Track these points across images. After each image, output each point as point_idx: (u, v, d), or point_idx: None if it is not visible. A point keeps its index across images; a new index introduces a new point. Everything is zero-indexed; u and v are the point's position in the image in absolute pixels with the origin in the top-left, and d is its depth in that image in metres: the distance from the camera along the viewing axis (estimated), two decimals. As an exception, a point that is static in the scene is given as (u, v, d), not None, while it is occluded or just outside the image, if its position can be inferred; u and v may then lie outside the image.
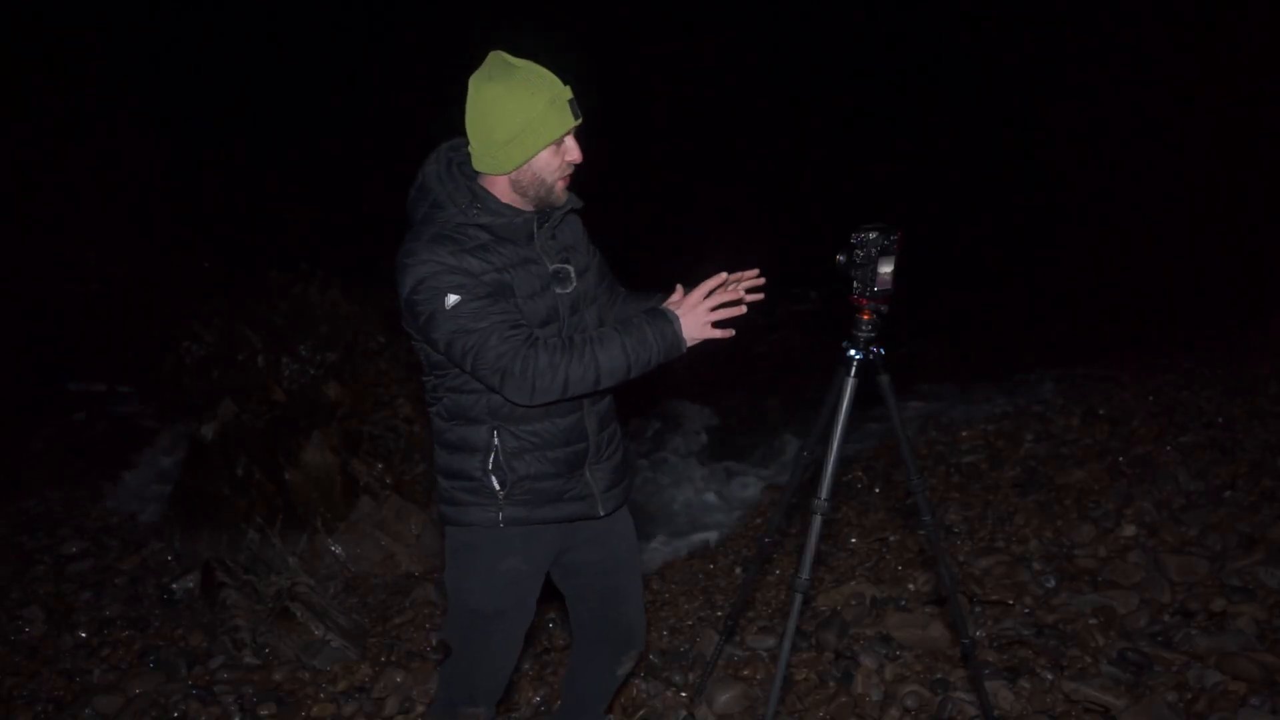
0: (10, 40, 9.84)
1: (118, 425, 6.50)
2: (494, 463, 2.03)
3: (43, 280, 8.01)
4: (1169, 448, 4.55)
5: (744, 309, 1.96)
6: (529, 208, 1.99)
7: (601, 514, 2.15)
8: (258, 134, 11.69)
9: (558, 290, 2.02)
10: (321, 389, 5.26)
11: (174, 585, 4.41)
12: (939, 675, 3.00)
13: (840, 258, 2.25)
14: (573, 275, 2.05)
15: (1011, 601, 3.40)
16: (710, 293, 1.92)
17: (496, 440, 2.02)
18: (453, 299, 1.87)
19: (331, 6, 14.03)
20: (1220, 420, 4.81)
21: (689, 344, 1.92)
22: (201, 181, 10.17)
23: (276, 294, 8.00)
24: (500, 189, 1.97)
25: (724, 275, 1.94)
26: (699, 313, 1.88)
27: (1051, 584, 3.49)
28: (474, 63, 1.98)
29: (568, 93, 1.93)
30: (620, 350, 1.89)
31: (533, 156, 1.93)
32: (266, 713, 3.26)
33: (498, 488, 2.04)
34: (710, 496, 5.58)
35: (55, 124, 9.67)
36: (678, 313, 1.90)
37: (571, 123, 1.93)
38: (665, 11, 16.25)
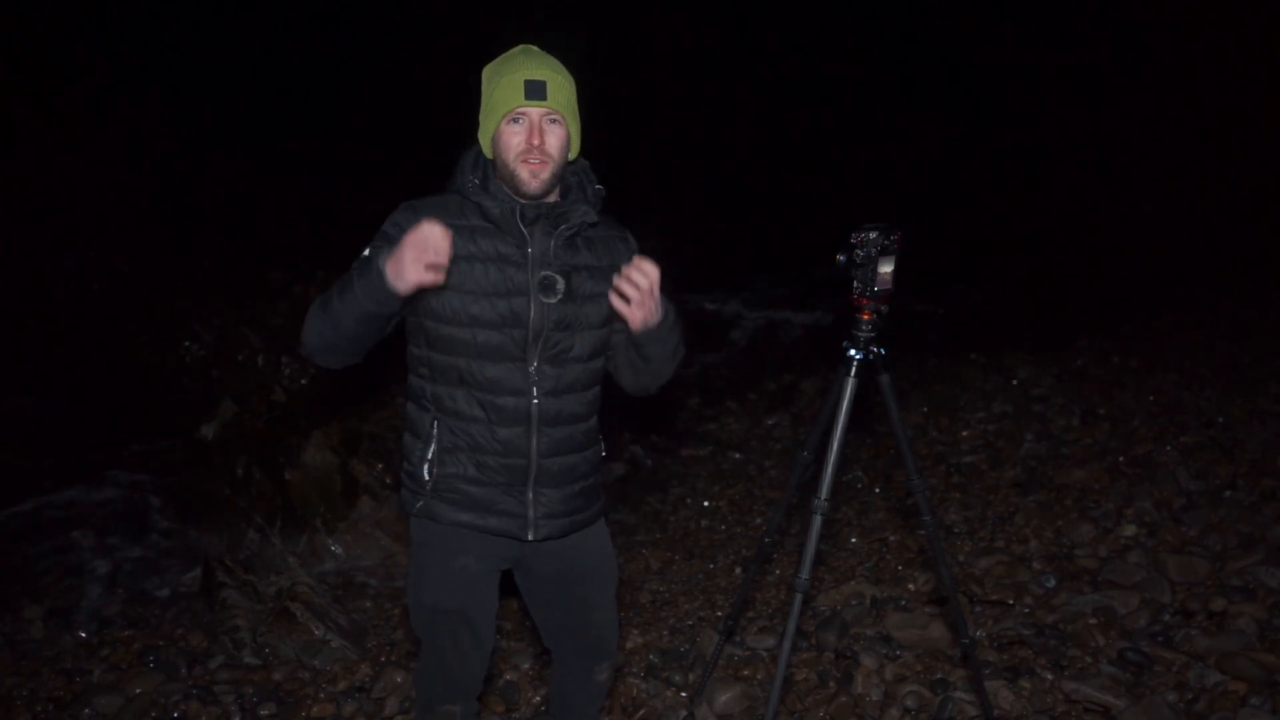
0: (11, 40, 9.84)
1: (117, 425, 6.49)
2: (431, 453, 2.04)
3: (43, 280, 8.00)
4: (1169, 448, 4.54)
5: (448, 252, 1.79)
6: (521, 200, 1.98)
7: (530, 538, 2.08)
8: (258, 134, 11.69)
9: (543, 298, 1.96)
10: (321, 389, 5.26)
11: (174, 585, 4.42)
12: (939, 675, 3.00)
13: (840, 257, 2.25)
14: (559, 287, 1.97)
15: (1011, 601, 3.40)
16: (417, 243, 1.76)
17: (435, 431, 2.03)
18: (365, 252, 1.94)
19: (334, 7, 14.03)
20: (1220, 420, 4.80)
21: (401, 287, 1.78)
22: (202, 182, 10.16)
23: (276, 294, 8.00)
24: (499, 174, 1.99)
25: (425, 226, 1.77)
26: (401, 260, 1.76)
27: (1051, 584, 3.48)
28: (475, 65, 1.99)
29: (535, 74, 1.90)
30: (336, 303, 1.88)
31: (493, 133, 1.96)
32: (266, 713, 3.26)
33: (426, 478, 2.05)
34: (710, 495, 5.57)
35: (56, 124, 9.67)
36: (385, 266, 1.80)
37: (518, 101, 1.90)
38: (664, 11, 16.26)
